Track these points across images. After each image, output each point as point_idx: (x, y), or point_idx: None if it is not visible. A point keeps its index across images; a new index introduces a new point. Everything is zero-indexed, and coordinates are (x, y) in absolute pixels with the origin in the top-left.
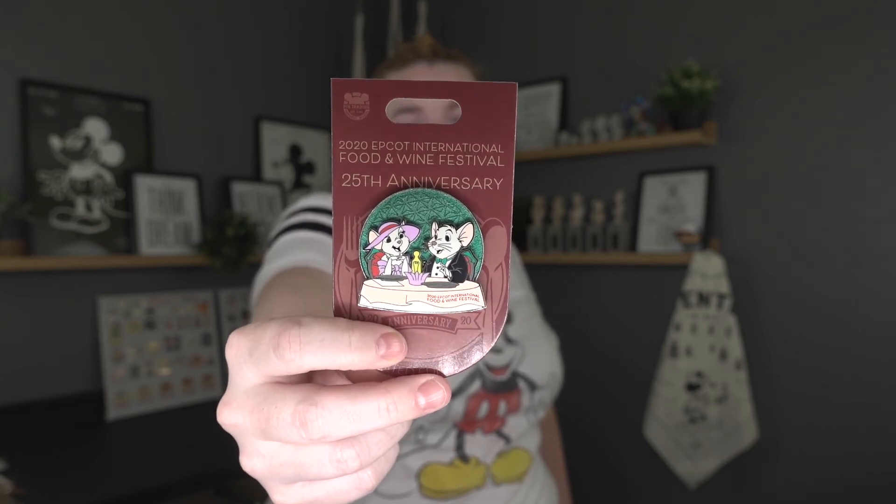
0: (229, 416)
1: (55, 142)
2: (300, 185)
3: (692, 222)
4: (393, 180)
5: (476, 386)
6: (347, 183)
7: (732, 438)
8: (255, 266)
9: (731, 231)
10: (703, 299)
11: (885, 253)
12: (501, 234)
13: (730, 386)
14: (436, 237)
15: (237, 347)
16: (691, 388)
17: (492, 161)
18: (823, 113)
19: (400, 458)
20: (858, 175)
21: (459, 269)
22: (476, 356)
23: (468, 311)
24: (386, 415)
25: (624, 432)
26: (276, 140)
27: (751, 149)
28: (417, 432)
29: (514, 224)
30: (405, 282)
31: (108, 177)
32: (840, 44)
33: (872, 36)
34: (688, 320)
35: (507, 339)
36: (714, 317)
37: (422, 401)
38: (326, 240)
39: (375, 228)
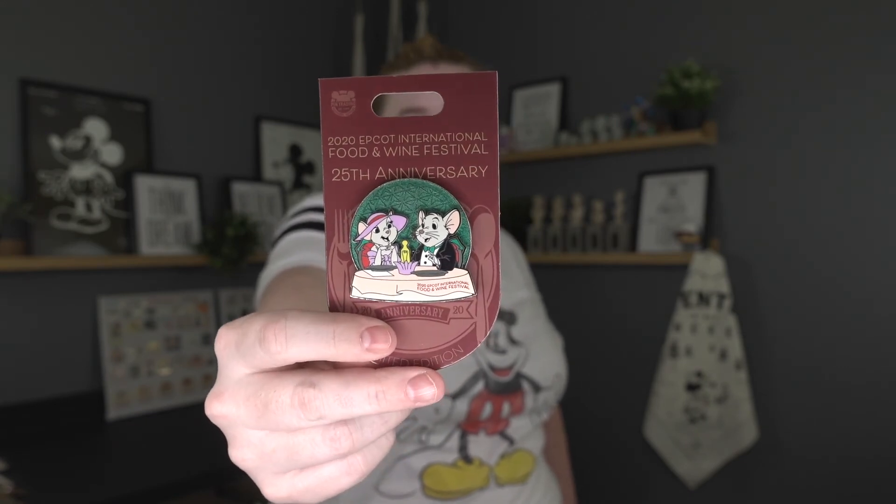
0: (220, 406)
1: (55, 142)
2: (300, 185)
3: (692, 222)
4: (381, 173)
5: (479, 387)
6: (337, 178)
7: (732, 438)
8: (256, 266)
9: (731, 231)
10: (703, 299)
11: (885, 252)
12: (489, 221)
13: (730, 386)
14: (423, 225)
15: (225, 340)
16: (691, 388)
17: (476, 149)
18: (823, 112)
19: (403, 458)
20: (858, 174)
21: (448, 257)
22: (470, 347)
23: (458, 299)
24: (375, 402)
25: (624, 432)
26: (276, 140)
27: (751, 149)
28: (421, 433)
29: (514, 224)
30: (395, 271)
31: (108, 177)
32: (840, 44)
33: (873, 36)
34: (688, 320)
35: (511, 340)
36: (714, 317)
37: (411, 394)
38: None
39: (364, 220)
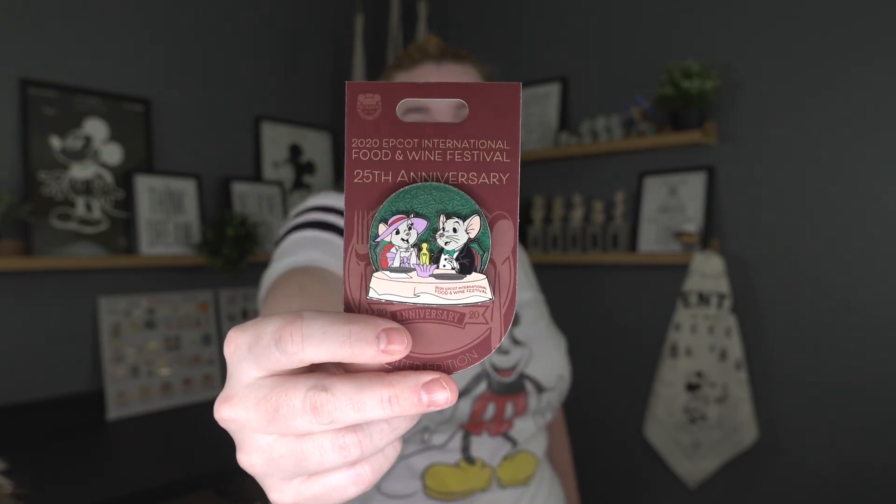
0: (230, 411)
1: (55, 142)
2: (300, 185)
3: (692, 222)
4: (402, 176)
5: (482, 387)
6: (359, 179)
7: (732, 438)
8: (256, 266)
9: (731, 231)
10: (703, 299)
11: (885, 252)
12: (508, 227)
13: (730, 386)
14: (444, 229)
15: (236, 343)
16: (691, 388)
17: (498, 157)
18: (823, 113)
19: (404, 458)
20: (858, 175)
21: (467, 261)
22: (485, 352)
23: (476, 303)
24: (388, 407)
25: (624, 432)
26: (276, 140)
27: (751, 149)
28: (423, 433)
29: None
30: (413, 273)
31: (108, 177)
32: (840, 44)
33: (873, 36)
34: (688, 320)
35: (514, 341)
36: (714, 317)
37: (425, 398)
38: (334, 239)
39: (385, 221)
